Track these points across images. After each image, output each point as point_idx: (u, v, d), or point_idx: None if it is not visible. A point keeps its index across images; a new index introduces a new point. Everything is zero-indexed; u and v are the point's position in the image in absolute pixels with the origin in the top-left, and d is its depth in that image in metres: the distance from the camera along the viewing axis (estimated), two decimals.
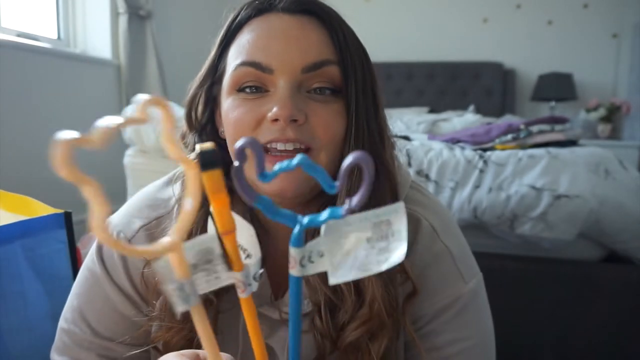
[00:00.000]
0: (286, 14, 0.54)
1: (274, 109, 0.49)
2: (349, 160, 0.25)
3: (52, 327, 0.63)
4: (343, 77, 0.53)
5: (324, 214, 0.27)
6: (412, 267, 0.55)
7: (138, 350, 0.58)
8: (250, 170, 0.52)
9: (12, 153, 1.97)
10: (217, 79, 0.57)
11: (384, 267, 0.26)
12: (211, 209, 0.29)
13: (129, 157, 1.83)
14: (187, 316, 0.53)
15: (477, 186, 1.31)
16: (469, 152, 1.39)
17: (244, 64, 0.52)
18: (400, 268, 0.54)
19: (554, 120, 1.60)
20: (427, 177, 1.36)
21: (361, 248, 0.27)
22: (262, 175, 0.27)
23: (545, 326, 1.31)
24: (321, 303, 0.53)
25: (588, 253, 1.32)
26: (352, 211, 0.26)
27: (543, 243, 1.27)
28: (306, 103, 0.51)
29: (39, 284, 0.88)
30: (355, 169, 0.27)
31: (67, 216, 0.93)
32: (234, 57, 0.54)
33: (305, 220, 0.27)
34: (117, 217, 0.63)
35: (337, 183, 0.26)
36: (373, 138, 0.54)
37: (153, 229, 0.60)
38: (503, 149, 1.44)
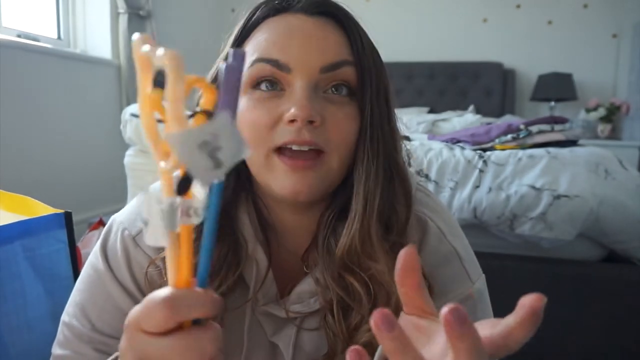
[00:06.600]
0: (304, 15, 0.54)
1: (292, 110, 0.49)
2: None
3: (52, 327, 0.63)
4: (359, 79, 0.53)
5: None
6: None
7: None
8: (265, 177, 0.53)
9: (12, 153, 1.97)
10: None
11: None
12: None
13: (129, 157, 1.83)
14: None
15: (477, 186, 1.31)
16: (468, 152, 1.39)
17: (261, 60, 0.52)
18: None
19: (554, 120, 1.60)
20: (427, 177, 1.36)
21: None
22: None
23: (545, 326, 1.30)
24: (333, 301, 0.53)
25: (588, 253, 1.32)
26: None
27: (543, 243, 1.27)
28: (322, 105, 0.51)
29: (39, 283, 0.88)
30: None
31: (67, 216, 0.93)
32: (250, 54, 0.54)
33: None
34: (123, 215, 0.63)
35: None
36: (386, 142, 0.54)
37: None
38: (503, 149, 1.43)
